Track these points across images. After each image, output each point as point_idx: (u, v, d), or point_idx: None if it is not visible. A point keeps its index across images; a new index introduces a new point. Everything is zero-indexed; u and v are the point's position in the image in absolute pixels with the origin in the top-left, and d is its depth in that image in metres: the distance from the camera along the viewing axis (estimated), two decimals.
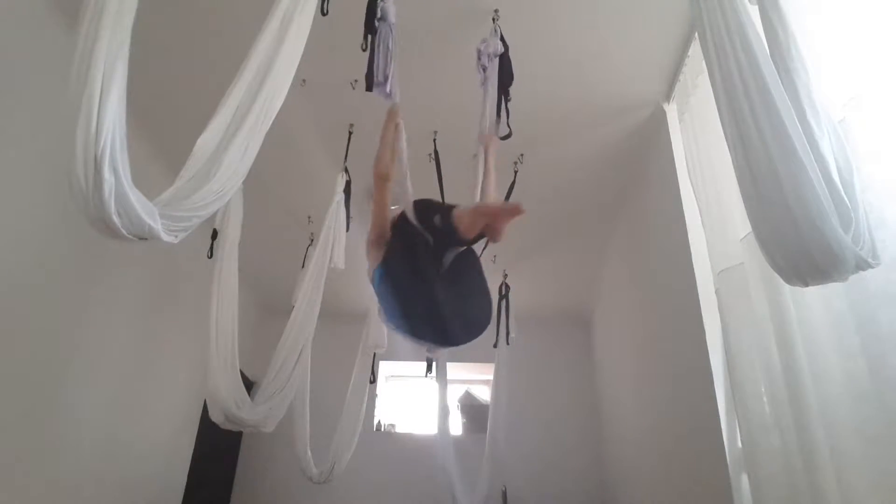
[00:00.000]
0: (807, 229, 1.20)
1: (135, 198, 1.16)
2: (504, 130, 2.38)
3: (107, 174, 1.10)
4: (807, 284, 1.29)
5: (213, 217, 1.98)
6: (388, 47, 2.10)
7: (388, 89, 2.09)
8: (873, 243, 1.26)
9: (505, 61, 2.44)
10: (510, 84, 2.43)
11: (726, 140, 1.43)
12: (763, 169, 1.29)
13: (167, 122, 3.18)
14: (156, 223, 1.21)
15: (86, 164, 1.08)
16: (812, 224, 1.19)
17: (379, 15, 2.14)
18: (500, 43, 2.44)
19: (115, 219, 1.13)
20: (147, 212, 1.19)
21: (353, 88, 2.78)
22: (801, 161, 1.23)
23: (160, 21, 2.60)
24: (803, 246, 1.21)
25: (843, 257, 1.18)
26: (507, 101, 2.40)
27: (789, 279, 1.32)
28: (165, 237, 1.26)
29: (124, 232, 1.16)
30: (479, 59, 2.41)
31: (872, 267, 1.24)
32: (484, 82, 2.41)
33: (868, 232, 1.26)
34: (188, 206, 1.31)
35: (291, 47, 1.56)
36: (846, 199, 1.25)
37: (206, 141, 1.38)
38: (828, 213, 1.19)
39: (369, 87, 2.05)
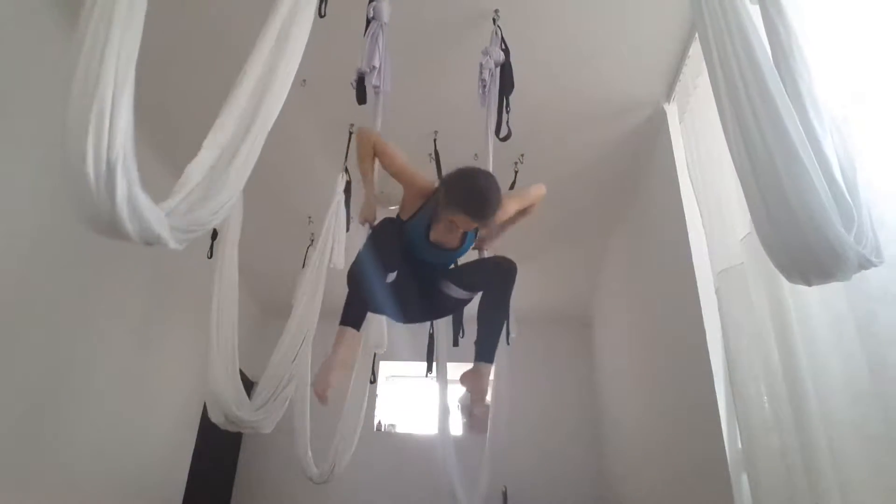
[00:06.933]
0: (809, 228, 1.20)
1: (145, 204, 1.14)
2: (504, 131, 2.38)
3: (119, 180, 1.08)
4: (810, 284, 1.29)
5: None
6: (376, 41, 2.15)
7: (375, 81, 2.16)
8: (876, 242, 1.26)
9: (506, 70, 2.42)
10: (510, 93, 2.41)
11: (727, 140, 1.43)
12: (765, 168, 1.29)
13: (167, 123, 3.18)
14: (164, 231, 1.20)
15: (97, 169, 1.05)
16: (814, 223, 1.19)
17: (371, 14, 2.18)
18: (501, 52, 2.42)
19: (128, 224, 1.11)
20: (156, 219, 1.18)
21: (353, 88, 2.78)
22: (803, 160, 1.23)
23: (160, 21, 2.59)
24: (806, 245, 1.21)
25: (845, 256, 1.18)
26: (507, 111, 2.39)
27: (792, 278, 1.32)
28: (173, 245, 1.25)
29: (135, 238, 1.15)
30: (480, 73, 2.39)
31: (875, 266, 1.24)
32: (486, 96, 2.39)
33: (871, 231, 1.25)
34: (195, 218, 1.29)
35: (291, 53, 1.55)
36: (848, 198, 1.25)
37: (211, 149, 1.35)
38: (830, 212, 1.19)
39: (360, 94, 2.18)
